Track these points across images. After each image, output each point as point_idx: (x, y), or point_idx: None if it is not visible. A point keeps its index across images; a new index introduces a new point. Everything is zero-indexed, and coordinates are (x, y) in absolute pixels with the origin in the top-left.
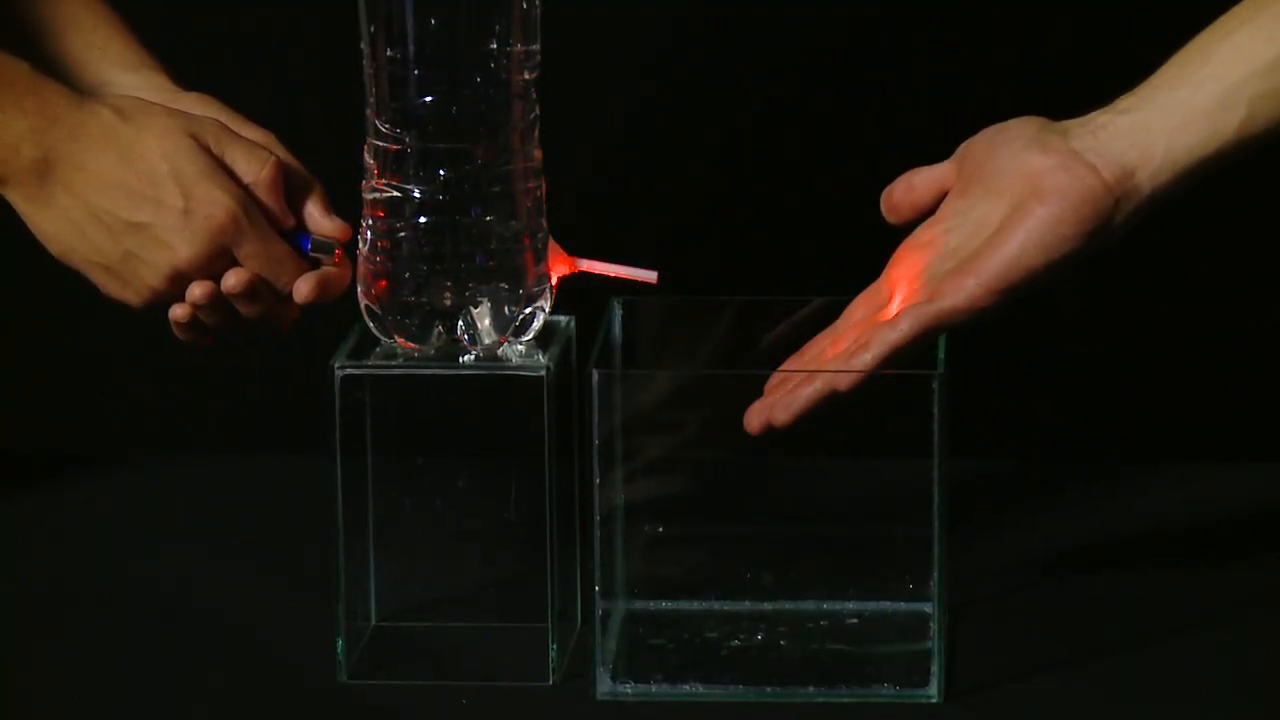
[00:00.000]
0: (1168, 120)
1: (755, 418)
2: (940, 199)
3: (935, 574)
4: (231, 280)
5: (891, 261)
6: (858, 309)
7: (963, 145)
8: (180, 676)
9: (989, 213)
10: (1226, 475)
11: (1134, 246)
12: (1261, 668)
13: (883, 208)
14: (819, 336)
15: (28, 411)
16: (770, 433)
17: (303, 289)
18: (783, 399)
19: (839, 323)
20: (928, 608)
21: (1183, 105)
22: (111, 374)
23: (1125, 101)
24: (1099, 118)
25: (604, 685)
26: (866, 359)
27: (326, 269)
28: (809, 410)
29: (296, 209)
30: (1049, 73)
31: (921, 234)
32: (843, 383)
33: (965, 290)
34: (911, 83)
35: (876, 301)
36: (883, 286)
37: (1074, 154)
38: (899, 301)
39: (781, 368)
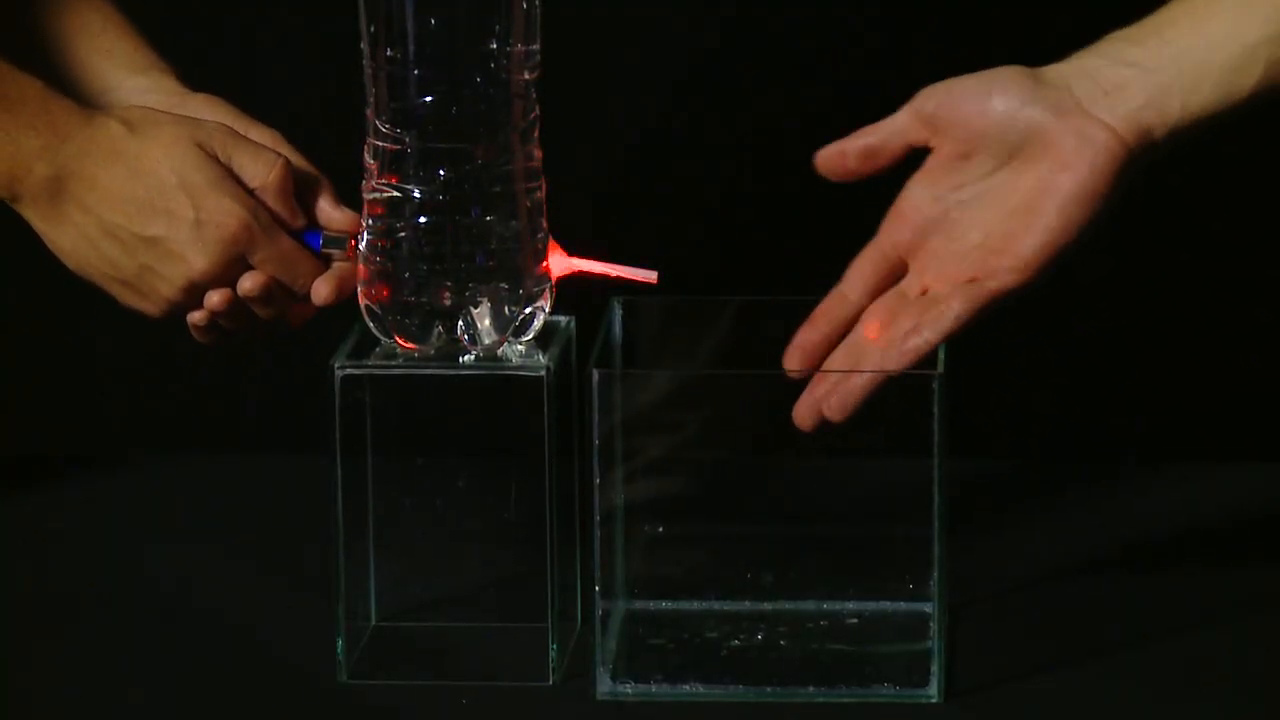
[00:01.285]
0: (1183, 79)
1: (806, 414)
2: (904, 154)
3: (935, 574)
4: (247, 284)
5: (890, 226)
6: (864, 275)
7: (920, 97)
8: (180, 676)
9: (1009, 180)
10: (1226, 475)
11: (1133, 245)
12: (1261, 668)
13: (827, 172)
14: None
15: (28, 412)
16: (824, 428)
17: (322, 290)
18: (836, 393)
19: (844, 288)
20: (928, 608)
21: (1199, 65)
22: (111, 374)
23: (1131, 52)
24: (1105, 70)
25: (604, 685)
26: (920, 342)
27: (341, 266)
28: (864, 401)
29: (306, 206)
30: None
31: (923, 202)
32: (894, 369)
33: (1014, 272)
34: (911, 83)
35: (883, 269)
36: (889, 254)
37: (1090, 118)
38: (936, 280)
39: (827, 361)
